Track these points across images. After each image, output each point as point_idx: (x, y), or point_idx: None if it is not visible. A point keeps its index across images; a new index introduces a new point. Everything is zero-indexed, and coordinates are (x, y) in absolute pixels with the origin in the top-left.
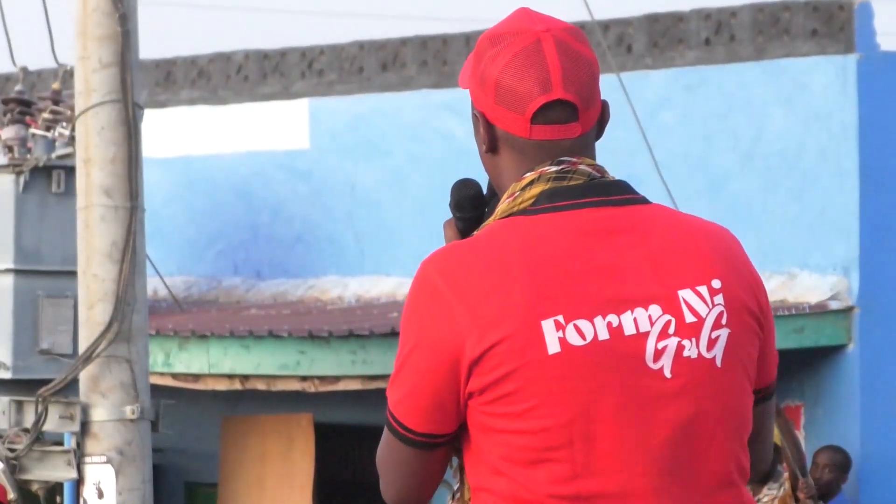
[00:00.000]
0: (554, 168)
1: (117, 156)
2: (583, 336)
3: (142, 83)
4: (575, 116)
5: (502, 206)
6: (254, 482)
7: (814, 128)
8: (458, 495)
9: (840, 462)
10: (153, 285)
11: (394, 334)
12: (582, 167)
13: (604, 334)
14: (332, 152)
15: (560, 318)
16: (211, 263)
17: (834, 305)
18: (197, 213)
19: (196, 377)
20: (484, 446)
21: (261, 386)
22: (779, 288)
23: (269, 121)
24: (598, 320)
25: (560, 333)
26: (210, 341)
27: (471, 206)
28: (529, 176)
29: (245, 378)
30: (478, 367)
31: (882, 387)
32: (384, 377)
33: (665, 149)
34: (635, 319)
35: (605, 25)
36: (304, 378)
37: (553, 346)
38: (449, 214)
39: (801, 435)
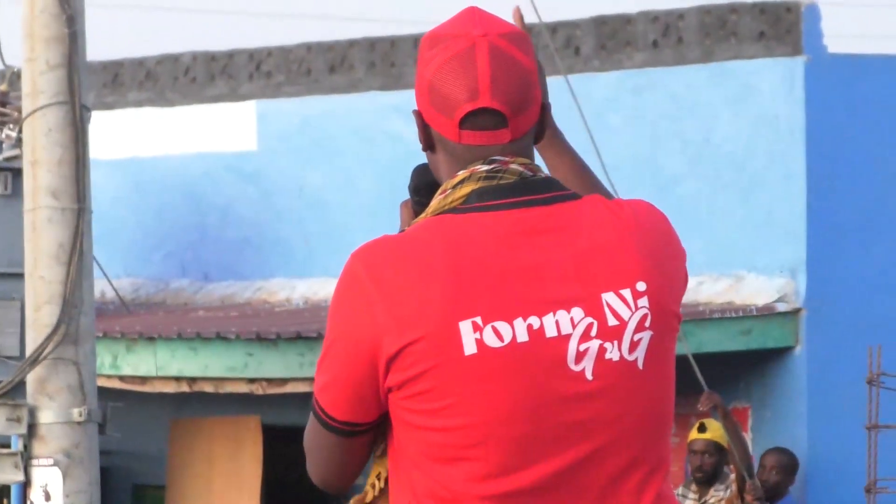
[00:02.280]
0: (485, 167)
1: (64, 158)
2: (500, 338)
3: (89, 85)
4: (504, 123)
5: (434, 203)
6: (201, 484)
7: (761, 130)
8: (374, 483)
9: (787, 464)
10: (100, 287)
11: None
12: (513, 166)
13: (523, 336)
14: (281, 154)
15: (478, 319)
16: (158, 265)
17: (781, 308)
18: (144, 214)
19: (143, 379)
20: (403, 440)
21: (208, 388)
22: (726, 290)
23: (216, 123)
24: (518, 322)
25: (477, 335)
26: (157, 343)
27: (428, 192)
28: (461, 174)
29: (192, 380)
30: (395, 363)
31: (829, 388)
32: None
33: (613, 151)
34: (557, 322)
35: (553, 28)
36: (251, 380)
37: (469, 347)
38: (406, 195)
39: (748, 437)
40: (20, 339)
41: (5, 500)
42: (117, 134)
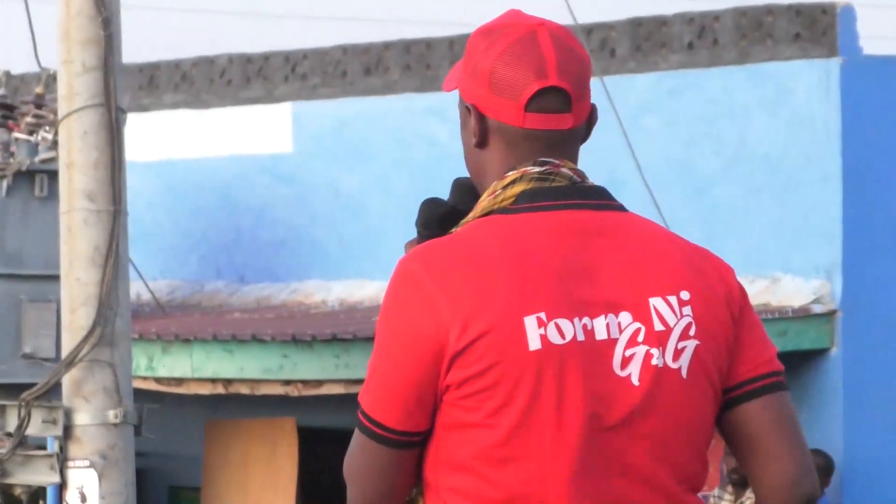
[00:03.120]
0: (536, 169)
1: (100, 160)
2: (563, 335)
3: (125, 87)
4: (568, 107)
5: (482, 203)
6: (237, 486)
7: (797, 132)
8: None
9: (823, 466)
10: (136, 289)
11: None
12: (564, 170)
13: (581, 335)
14: (316, 156)
15: (542, 315)
16: (194, 267)
17: (817, 309)
18: (180, 216)
19: (179, 381)
20: (449, 443)
21: (244, 390)
22: (762, 292)
23: (252, 125)
24: (576, 321)
25: (542, 330)
26: (193, 345)
27: (438, 225)
28: (512, 175)
29: (228, 382)
30: (460, 358)
31: (864, 390)
32: None
33: (648, 153)
34: (607, 325)
35: (589, 29)
36: (287, 382)
37: (534, 343)
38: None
39: None
40: (56, 341)
41: (41, 502)
42: (153, 136)
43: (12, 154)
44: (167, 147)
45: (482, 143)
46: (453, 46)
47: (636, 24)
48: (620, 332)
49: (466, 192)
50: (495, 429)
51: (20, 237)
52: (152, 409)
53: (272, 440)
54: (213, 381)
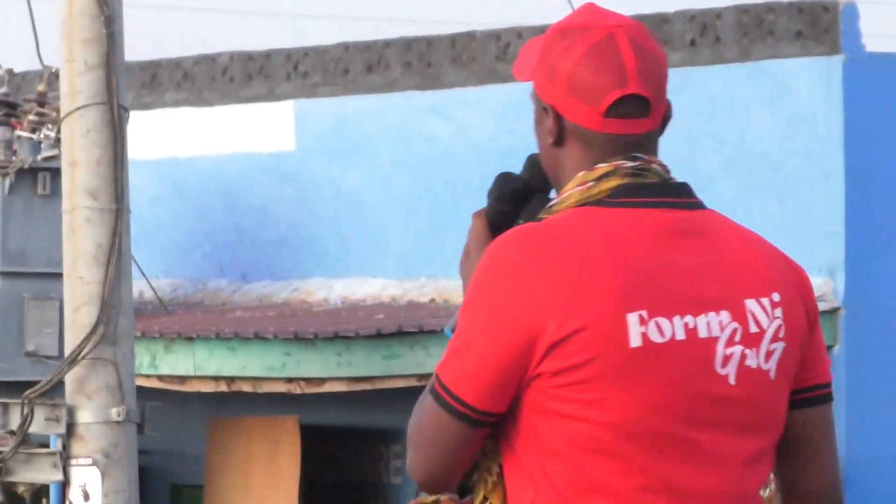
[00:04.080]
0: (629, 163)
1: (103, 158)
2: (663, 334)
3: (127, 85)
4: (646, 111)
5: (572, 193)
6: (239, 484)
7: (799, 130)
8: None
9: None
10: (139, 287)
11: (379, 336)
12: (654, 166)
13: (681, 334)
14: (318, 154)
15: (644, 313)
16: (196, 265)
17: (820, 307)
18: (182, 215)
19: (182, 379)
20: (542, 429)
21: (246, 388)
22: None
23: (254, 123)
24: (677, 319)
25: (643, 328)
26: (196, 343)
27: (511, 201)
28: (603, 167)
29: (231, 380)
30: (558, 349)
31: (867, 388)
32: (370, 379)
33: None
34: (708, 323)
35: None
36: (289, 380)
37: (635, 340)
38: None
39: None
40: (59, 340)
41: (44, 500)
42: (155, 134)
43: (15, 152)
44: (169, 145)
45: (559, 141)
46: (454, 44)
47: (637, 21)
48: (721, 330)
49: (540, 170)
50: (590, 422)
51: (23, 235)
52: (155, 407)
53: (274, 438)
54: (216, 379)
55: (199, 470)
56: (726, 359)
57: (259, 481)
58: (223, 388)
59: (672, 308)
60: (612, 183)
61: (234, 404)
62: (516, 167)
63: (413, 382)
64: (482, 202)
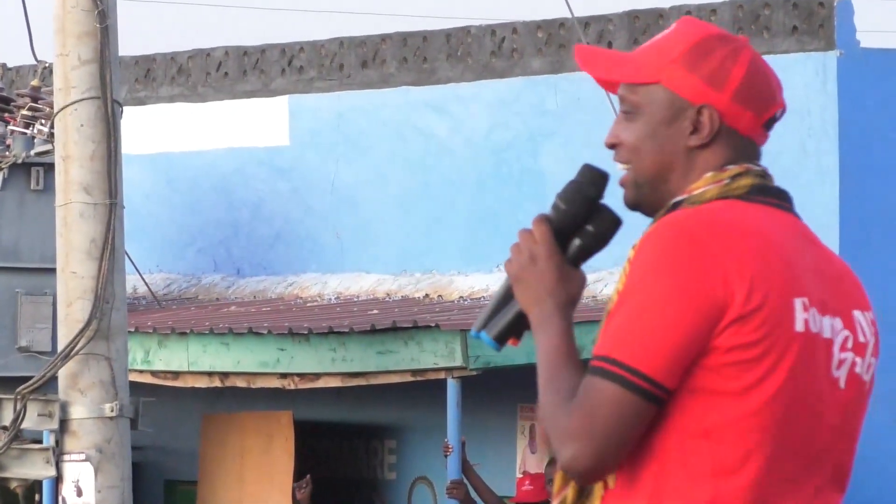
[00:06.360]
0: (757, 167)
1: (96, 153)
2: (816, 324)
3: (121, 80)
4: (773, 126)
5: (710, 189)
6: (233, 480)
7: (794, 125)
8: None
9: None
10: (132, 282)
11: (373, 331)
12: (769, 172)
13: (819, 328)
14: (313, 149)
15: (806, 300)
16: (191, 260)
17: None
18: (177, 210)
19: (176, 374)
20: (696, 408)
21: (240, 383)
22: None
23: (248, 118)
24: (815, 314)
25: (806, 314)
26: (190, 339)
27: (582, 206)
28: (735, 168)
29: (225, 375)
30: (741, 323)
31: None
32: (364, 374)
33: None
34: (832, 326)
35: (586, 22)
36: (283, 375)
37: (799, 324)
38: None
39: None
40: (52, 335)
41: (37, 496)
42: (149, 129)
43: (8, 147)
44: (163, 140)
45: (707, 143)
46: (450, 40)
47: (633, 16)
48: (836, 335)
49: (599, 186)
50: (747, 400)
51: (16, 230)
52: (148, 402)
53: (269, 433)
54: (210, 374)
55: (192, 465)
56: (840, 363)
57: (253, 476)
58: (217, 383)
59: (817, 303)
60: (748, 181)
61: (228, 400)
62: (512, 162)
63: (407, 378)
64: (478, 197)
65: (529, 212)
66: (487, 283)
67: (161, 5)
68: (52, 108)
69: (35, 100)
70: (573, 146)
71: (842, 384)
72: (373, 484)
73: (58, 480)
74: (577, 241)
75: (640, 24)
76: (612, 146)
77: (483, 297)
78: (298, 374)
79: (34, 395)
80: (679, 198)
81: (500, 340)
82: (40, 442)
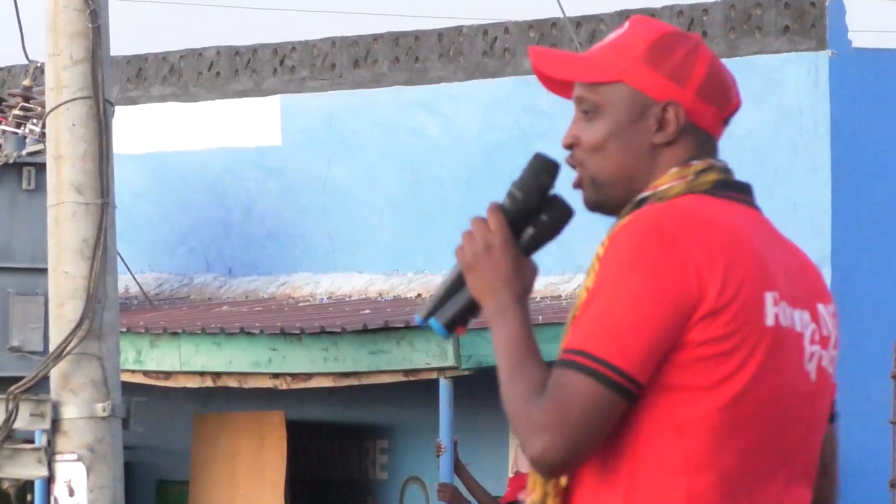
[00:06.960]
0: (719, 162)
1: (88, 152)
2: (787, 318)
3: (113, 80)
4: (730, 121)
5: (676, 185)
6: (225, 479)
7: (786, 124)
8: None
9: None
10: (124, 282)
11: (365, 331)
12: (730, 167)
13: (788, 322)
14: (304, 149)
15: (776, 294)
16: (182, 260)
17: None
18: (168, 209)
19: (167, 374)
20: (664, 404)
21: (232, 383)
22: None
23: (240, 117)
24: (786, 307)
25: (776, 309)
26: (181, 338)
27: (536, 195)
28: (699, 164)
29: (217, 375)
30: (712, 317)
31: (853, 383)
32: (356, 374)
33: None
34: (801, 319)
35: (577, 22)
36: (275, 375)
37: (769, 319)
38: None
39: None
40: (44, 335)
41: (29, 496)
42: (141, 129)
43: None
44: (155, 140)
45: (672, 139)
46: (442, 39)
47: (624, 16)
48: (805, 328)
49: (552, 176)
50: (717, 395)
51: (7, 230)
52: (140, 402)
53: (261, 433)
54: (202, 374)
55: (184, 465)
56: (811, 356)
57: (245, 477)
58: (209, 383)
59: (786, 296)
60: (712, 177)
61: (220, 399)
62: (504, 162)
63: (399, 378)
64: (470, 196)
65: None
66: None
67: (153, 5)
68: (43, 107)
69: (27, 99)
70: None
71: (813, 377)
72: (364, 484)
73: (50, 480)
74: (530, 231)
75: None
76: (570, 147)
77: None
78: (290, 374)
79: (26, 395)
80: (644, 194)
81: (450, 328)
82: (32, 442)
